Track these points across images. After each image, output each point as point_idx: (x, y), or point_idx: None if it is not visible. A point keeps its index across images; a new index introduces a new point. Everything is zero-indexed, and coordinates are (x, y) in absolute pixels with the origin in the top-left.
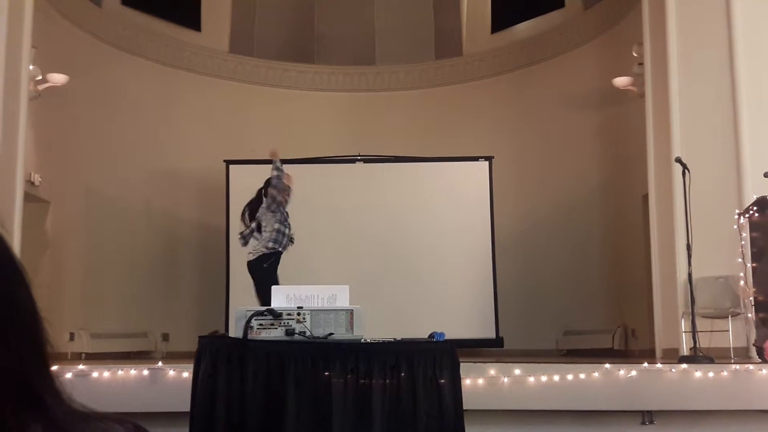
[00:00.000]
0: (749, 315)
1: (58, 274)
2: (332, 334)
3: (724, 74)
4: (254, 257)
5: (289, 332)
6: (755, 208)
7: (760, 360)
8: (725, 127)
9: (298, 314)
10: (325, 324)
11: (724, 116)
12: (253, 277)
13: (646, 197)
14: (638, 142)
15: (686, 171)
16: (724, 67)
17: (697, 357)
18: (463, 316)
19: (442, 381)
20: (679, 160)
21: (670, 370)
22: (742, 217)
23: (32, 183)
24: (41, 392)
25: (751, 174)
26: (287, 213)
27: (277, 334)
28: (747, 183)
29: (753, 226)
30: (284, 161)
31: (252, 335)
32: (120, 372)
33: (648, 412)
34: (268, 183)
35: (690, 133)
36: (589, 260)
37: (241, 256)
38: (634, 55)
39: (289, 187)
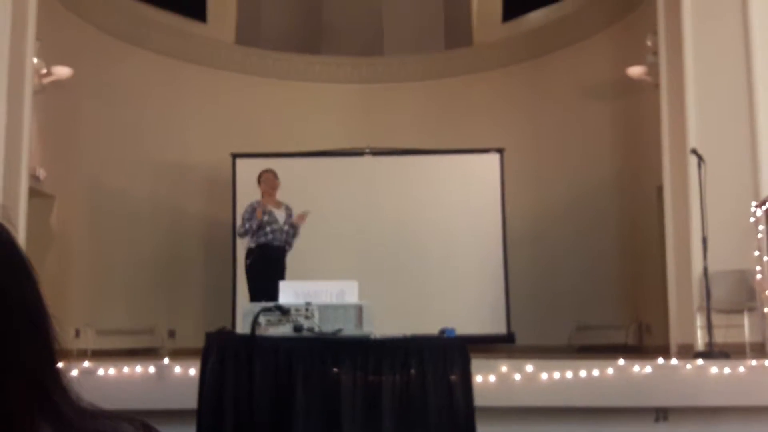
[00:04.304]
0: (766, 310)
1: (64, 269)
2: (341, 330)
3: (739, 63)
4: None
5: (298, 328)
6: None
7: None
8: (741, 118)
9: (307, 310)
10: (333, 320)
11: (740, 106)
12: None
13: (660, 189)
14: (653, 132)
15: (702, 162)
16: (740, 57)
17: (712, 353)
18: (474, 311)
19: (453, 377)
20: (694, 152)
21: (685, 366)
22: (758, 210)
23: (37, 177)
24: (50, 391)
25: None
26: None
27: (285, 330)
28: (764, 174)
29: None
30: (291, 154)
31: (260, 331)
32: (126, 369)
33: (662, 409)
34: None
35: (705, 124)
36: (603, 253)
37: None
38: (648, 44)
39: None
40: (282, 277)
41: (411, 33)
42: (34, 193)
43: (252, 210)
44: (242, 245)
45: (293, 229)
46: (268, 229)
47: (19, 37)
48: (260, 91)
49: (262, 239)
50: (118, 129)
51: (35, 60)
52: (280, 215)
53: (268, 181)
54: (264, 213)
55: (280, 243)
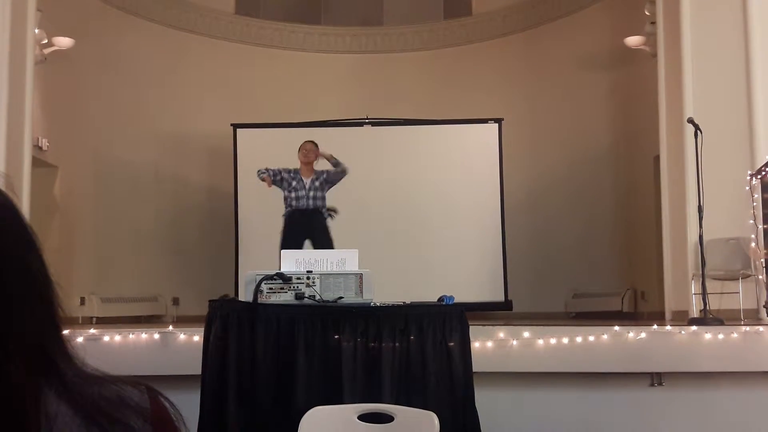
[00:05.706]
0: (760, 277)
1: (68, 238)
2: (342, 297)
3: (737, 33)
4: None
5: (299, 296)
6: None
7: None
8: (738, 87)
9: (308, 278)
10: (334, 288)
11: (737, 76)
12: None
13: (657, 158)
14: (650, 102)
15: (698, 132)
16: (738, 27)
17: (706, 319)
18: (473, 279)
19: (452, 344)
20: (691, 121)
21: (680, 332)
22: (754, 178)
23: (40, 148)
24: (54, 357)
25: (764, 134)
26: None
27: (286, 298)
28: (759, 143)
29: (765, 186)
30: (291, 125)
31: (262, 299)
32: (131, 336)
33: (657, 374)
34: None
35: (702, 94)
36: (599, 222)
37: (248, 219)
38: (647, 13)
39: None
40: (314, 237)
41: (410, 3)
42: (37, 163)
43: (288, 172)
44: (246, 213)
45: (320, 187)
46: (293, 195)
47: (20, 7)
48: (260, 62)
49: (290, 206)
50: (120, 99)
51: (36, 30)
52: (307, 182)
53: (303, 151)
54: (293, 178)
55: (305, 207)
